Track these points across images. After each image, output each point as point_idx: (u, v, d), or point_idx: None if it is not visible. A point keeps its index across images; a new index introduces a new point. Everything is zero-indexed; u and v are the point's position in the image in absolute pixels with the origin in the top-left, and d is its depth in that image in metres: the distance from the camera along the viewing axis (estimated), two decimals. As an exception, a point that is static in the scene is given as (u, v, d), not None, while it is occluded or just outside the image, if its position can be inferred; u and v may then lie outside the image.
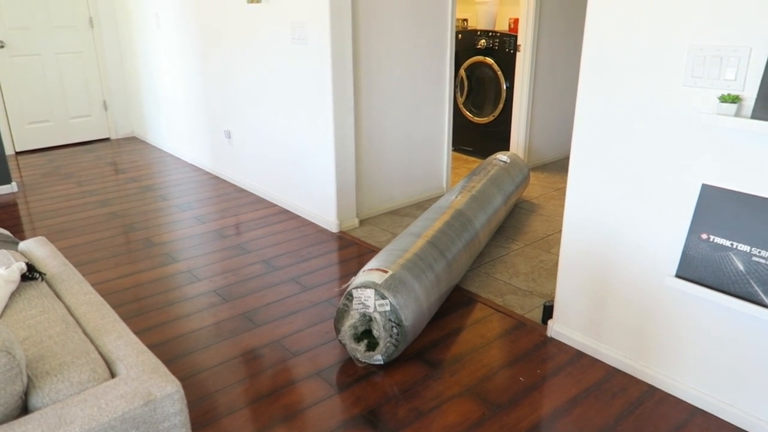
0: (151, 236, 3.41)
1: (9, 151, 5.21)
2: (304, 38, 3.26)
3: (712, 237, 1.75)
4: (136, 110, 5.71)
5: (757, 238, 1.66)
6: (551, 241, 3.30)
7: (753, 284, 1.68)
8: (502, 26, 5.08)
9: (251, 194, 4.13)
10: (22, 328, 1.28)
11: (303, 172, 3.61)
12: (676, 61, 1.75)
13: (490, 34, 4.65)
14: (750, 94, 1.63)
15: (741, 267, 1.70)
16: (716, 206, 1.74)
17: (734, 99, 1.63)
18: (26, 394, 1.11)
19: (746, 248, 1.68)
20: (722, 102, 1.64)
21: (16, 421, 1.04)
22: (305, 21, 3.21)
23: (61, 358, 1.18)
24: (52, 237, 3.42)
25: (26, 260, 1.58)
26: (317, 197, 3.54)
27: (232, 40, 3.91)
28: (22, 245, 1.80)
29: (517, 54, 4.47)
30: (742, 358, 1.82)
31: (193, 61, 4.45)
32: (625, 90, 1.90)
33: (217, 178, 4.52)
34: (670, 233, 1.90)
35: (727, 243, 1.72)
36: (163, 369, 1.18)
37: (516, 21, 4.62)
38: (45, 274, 1.57)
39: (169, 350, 2.30)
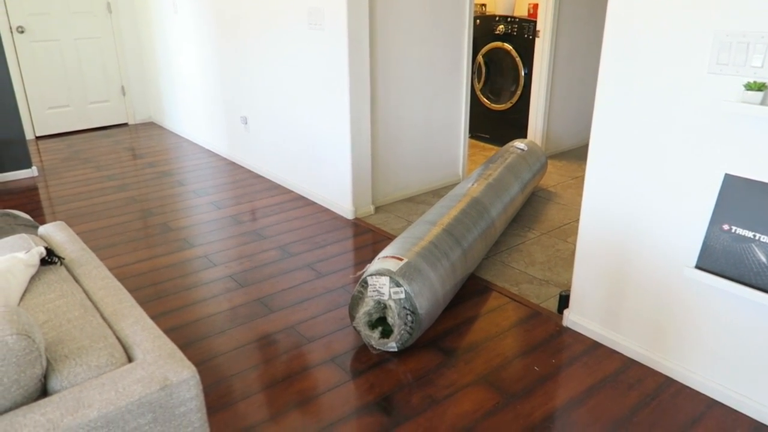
0: (168, 221, 3.44)
1: (29, 135, 5.27)
2: (320, 24, 3.23)
3: (734, 228, 1.72)
4: (154, 96, 5.74)
5: (781, 230, 1.62)
6: (568, 230, 3.27)
7: (775, 276, 1.65)
8: (521, 11, 5.00)
9: (267, 180, 4.14)
10: (42, 312, 1.30)
11: (319, 159, 3.60)
12: (701, 48, 1.71)
13: (509, 19, 4.58)
14: (777, 82, 1.58)
15: (764, 259, 1.66)
16: (739, 197, 1.71)
17: (761, 87, 1.59)
18: (45, 377, 1.12)
19: (769, 240, 1.65)
20: (748, 90, 1.60)
21: (35, 404, 1.05)
22: (322, 6, 3.18)
23: (80, 342, 1.19)
24: (71, 221, 3.47)
25: (45, 245, 1.60)
26: (333, 184, 3.54)
27: (248, 26, 3.90)
28: (42, 230, 1.82)
29: (536, 40, 4.40)
30: (761, 351, 1.79)
31: (209, 47, 4.45)
32: (647, 77, 1.86)
33: (233, 163, 4.54)
34: (690, 223, 1.87)
35: (750, 234, 1.68)
36: (179, 354, 1.19)
37: (535, 6, 4.55)
38: (64, 259, 1.59)
39: (186, 335, 2.32)
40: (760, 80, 1.61)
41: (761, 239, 1.66)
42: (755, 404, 1.84)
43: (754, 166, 1.68)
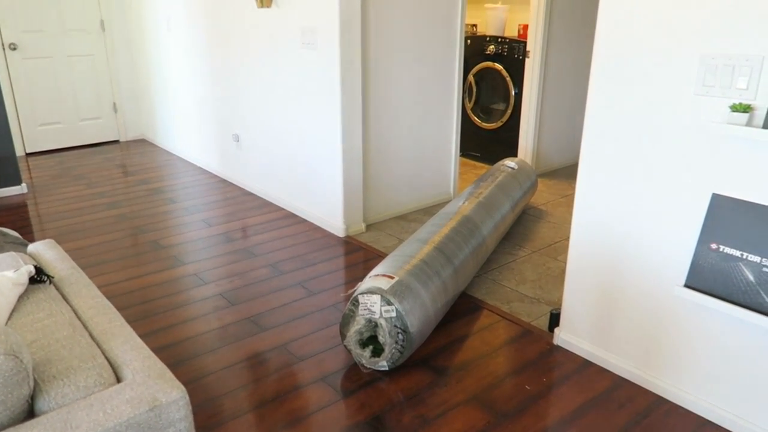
0: (158, 239, 3.43)
1: (19, 152, 5.25)
2: (313, 43, 3.26)
3: (721, 247, 1.74)
4: (146, 113, 5.74)
5: (768, 249, 1.64)
6: (559, 248, 3.29)
7: (763, 295, 1.66)
8: (512, 32, 5.07)
9: (259, 198, 4.14)
10: (30, 332, 1.28)
11: (310, 177, 3.61)
12: (688, 70, 1.74)
13: (500, 39, 4.65)
14: (762, 104, 1.61)
15: (751, 277, 1.68)
16: (726, 216, 1.73)
17: (746, 108, 1.62)
18: (33, 398, 1.11)
19: (757, 259, 1.67)
20: (733, 111, 1.63)
21: (22, 425, 1.04)
22: (315, 26, 3.22)
23: (68, 362, 1.18)
24: (61, 238, 3.44)
25: (35, 263, 1.59)
26: (324, 202, 3.54)
27: (241, 45, 3.93)
28: (31, 248, 1.81)
29: (526, 60, 4.46)
30: (752, 370, 1.80)
31: (202, 65, 4.48)
32: (636, 98, 1.89)
33: (225, 181, 4.54)
34: (679, 243, 1.88)
35: (737, 253, 1.70)
36: (169, 374, 1.18)
37: (525, 27, 4.62)
38: (53, 278, 1.58)
39: (176, 353, 2.30)
40: (745, 102, 1.64)
41: (748, 258, 1.68)
42: (747, 424, 1.84)
43: (741, 185, 1.70)
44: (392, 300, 2.09)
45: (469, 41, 4.87)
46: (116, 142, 5.79)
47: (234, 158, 4.41)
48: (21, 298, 1.43)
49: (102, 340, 1.30)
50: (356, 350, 2.16)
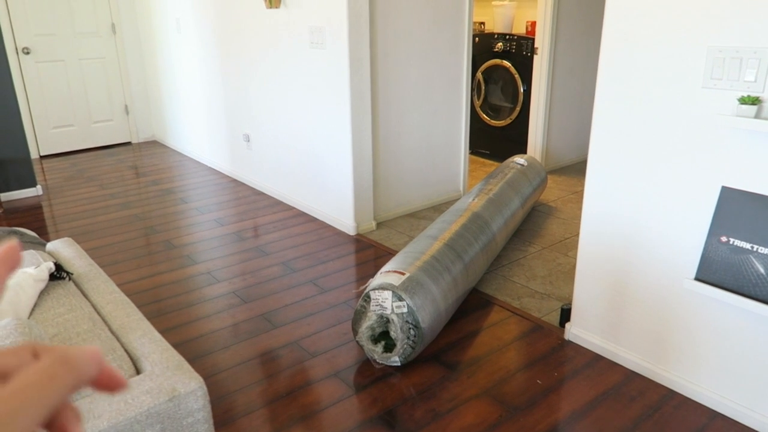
0: (171, 238, 3.47)
1: (34, 154, 5.32)
2: (322, 43, 3.29)
3: (732, 240, 1.74)
4: (157, 115, 5.80)
5: (778, 241, 1.65)
6: (569, 244, 3.29)
7: (774, 287, 1.66)
8: (520, 29, 5.08)
9: (269, 197, 4.17)
10: (51, 326, 1.32)
11: (321, 175, 3.64)
12: (695, 63, 1.75)
13: (508, 37, 4.65)
14: (770, 96, 1.62)
15: (762, 270, 1.68)
16: (736, 208, 1.74)
17: (754, 101, 1.62)
18: (55, 389, 1.14)
19: (767, 251, 1.67)
20: (742, 104, 1.64)
21: (46, 415, 1.07)
22: (323, 26, 3.24)
23: (89, 355, 1.21)
24: (76, 239, 3.49)
25: (54, 260, 1.62)
26: (335, 200, 3.57)
27: (251, 45, 3.97)
28: (50, 246, 1.85)
29: (535, 57, 4.46)
30: (763, 362, 1.80)
31: (212, 66, 4.52)
32: (643, 92, 1.90)
33: (235, 181, 4.58)
34: (689, 236, 1.89)
35: (748, 246, 1.71)
36: (187, 366, 1.21)
37: (533, 24, 4.62)
38: (72, 274, 1.62)
39: (189, 350, 2.34)
40: (753, 94, 1.64)
41: (759, 250, 1.69)
42: (758, 416, 1.85)
43: (750, 178, 1.71)
44: (403, 296, 2.12)
45: (477, 39, 4.88)
46: (128, 143, 5.85)
47: (244, 158, 4.45)
48: (42, 293, 1.47)
49: (121, 333, 1.33)
50: (368, 346, 2.18)
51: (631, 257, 2.07)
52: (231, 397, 2.05)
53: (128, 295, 2.81)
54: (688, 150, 1.83)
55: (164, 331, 2.48)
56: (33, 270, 1.47)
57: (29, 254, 1.64)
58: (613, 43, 1.94)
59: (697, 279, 1.83)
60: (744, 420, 1.88)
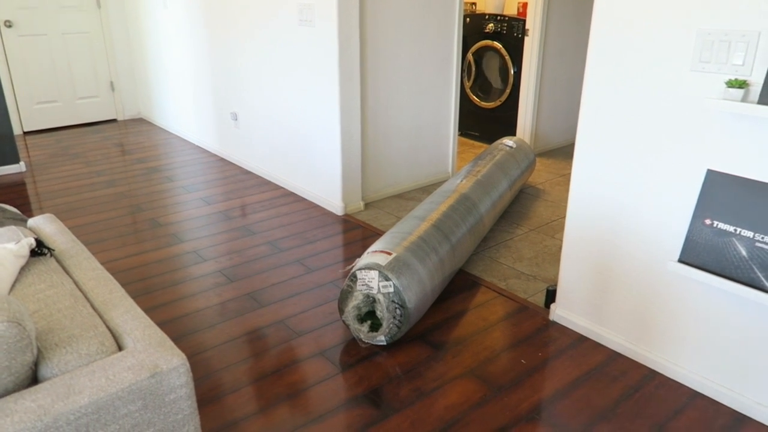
0: (157, 217, 3.44)
1: (17, 131, 5.23)
2: (311, 21, 3.25)
3: (715, 222, 1.75)
4: (143, 92, 5.72)
5: (761, 224, 1.66)
6: (555, 226, 3.31)
7: (755, 270, 1.68)
8: (511, 10, 5.04)
9: (257, 176, 4.14)
10: (32, 302, 1.30)
11: (309, 155, 3.62)
12: (684, 46, 1.74)
13: (499, 18, 4.62)
14: (757, 80, 1.62)
15: (744, 253, 1.70)
16: (721, 192, 1.75)
17: (741, 84, 1.62)
18: (36, 365, 1.13)
19: (750, 234, 1.68)
20: (729, 87, 1.64)
21: (27, 390, 1.06)
22: (312, 3, 3.19)
23: (70, 331, 1.20)
24: (60, 216, 3.45)
25: (35, 236, 1.60)
26: (323, 180, 3.55)
27: (239, 22, 3.90)
28: (31, 222, 1.82)
29: (526, 38, 4.44)
30: (743, 343, 1.83)
31: (200, 43, 4.45)
32: (632, 74, 1.89)
33: (223, 159, 4.54)
34: (673, 218, 1.90)
35: (731, 228, 1.72)
36: (169, 343, 1.20)
37: (525, 5, 4.58)
38: (54, 250, 1.60)
39: (175, 329, 2.33)
40: (741, 78, 1.64)
41: (742, 233, 1.70)
42: (736, 395, 1.88)
43: (736, 161, 1.72)
44: (390, 276, 2.12)
45: (468, 19, 4.84)
46: (113, 120, 5.77)
47: (232, 137, 4.41)
48: (22, 270, 1.45)
49: (103, 310, 1.32)
50: (354, 325, 2.18)
51: (617, 239, 2.09)
52: (217, 375, 2.05)
53: (114, 273, 2.79)
54: (675, 133, 1.83)
55: (150, 310, 2.47)
56: (13, 246, 1.45)
57: (10, 230, 1.62)
58: (603, 25, 1.93)
59: (680, 261, 1.84)
60: (724, 400, 1.91)
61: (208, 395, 1.95)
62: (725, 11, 1.64)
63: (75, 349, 1.16)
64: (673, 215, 1.90)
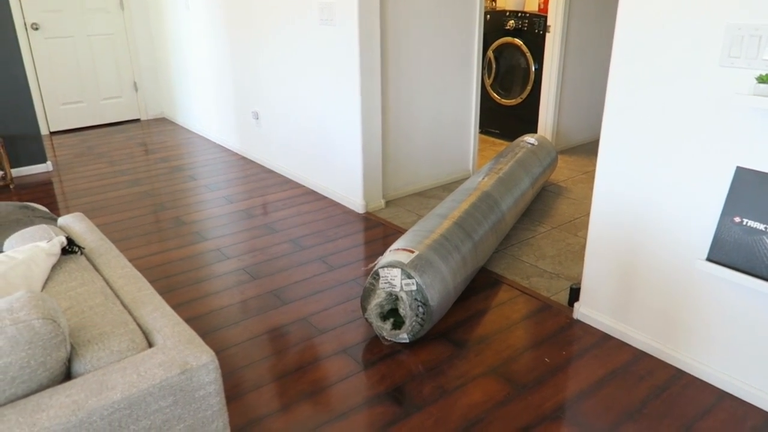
0: (180, 215, 3.48)
1: (44, 131, 5.33)
2: (332, 20, 3.25)
3: (745, 220, 1.72)
4: (166, 92, 5.78)
5: (793, 222, 1.63)
6: (578, 224, 3.28)
7: (787, 268, 1.65)
8: (532, 7, 5.00)
9: (279, 175, 4.17)
10: (64, 299, 1.33)
11: (330, 154, 3.63)
12: (713, 41, 1.72)
13: (519, 14, 4.58)
14: (789, 74, 1.59)
15: (775, 251, 1.67)
16: (750, 189, 1.71)
17: (772, 79, 1.59)
18: (69, 361, 1.15)
19: (781, 232, 1.65)
20: (760, 83, 1.61)
21: (61, 386, 1.09)
22: (333, 2, 3.20)
23: (102, 328, 1.22)
24: (86, 215, 3.51)
25: (66, 235, 1.63)
26: (344, 178, 3.56)
27: (260, 22, 3.93)
28: (61, 221, 1.86)
29: (547, 35, 4.40)
30: (773, 344, 1.80)
31: (221, 43, 4.49)
32: (659, 70, 1.87)
33: (244, 158, 4.57)
34: (701, 216, 1.87)
35: (761, 227, 1.69)
36: (198, 340, 1.22)
37: (546, 1, 4.54)
38: (84, 248, 1.63)
39: (199, 326, 2.36)
40: (772, 73, 1.61)
41: (773, 231, 1.67)
42: (766, 396, 1.85)
43: (766, 158, 1.69)
44: (412, 273, 2.12)
45: (488, 16, 4.81)
46: (137, 120, 5.85)
47: (254, 136, 4.44)
48: (54, 268, 1.48)
49: (133, 307, 1.34)
50: (377, 323, 2.19)
51: (642, 236, 2.06)
52: (240, 372, 2.08)
53: (139, 270, 2.83)
54: (703, 130, 1.80)
55: (175, 307, 2.50)
56: (45, 244, 1.48)
57: (41, 229, 1.65)
58: (629, 21, 1.90)
59: (708, 260, 1.81)
60: (752, 400, 1.88)
61: (232, 392, 1.97)
62: (756, 5, 1.61)
63: (107, 345, 1.18)
64: (700, 213, 1.87)
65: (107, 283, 1.47)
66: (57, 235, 1.64)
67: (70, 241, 1.56)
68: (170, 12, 5.17)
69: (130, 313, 1.33)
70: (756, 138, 1.69)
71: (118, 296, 1.40)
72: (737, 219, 1.74)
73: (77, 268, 1.48)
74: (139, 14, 5.56)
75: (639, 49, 1.90)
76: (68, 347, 1.13)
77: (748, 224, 1.72)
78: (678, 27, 1.79)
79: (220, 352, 2.19)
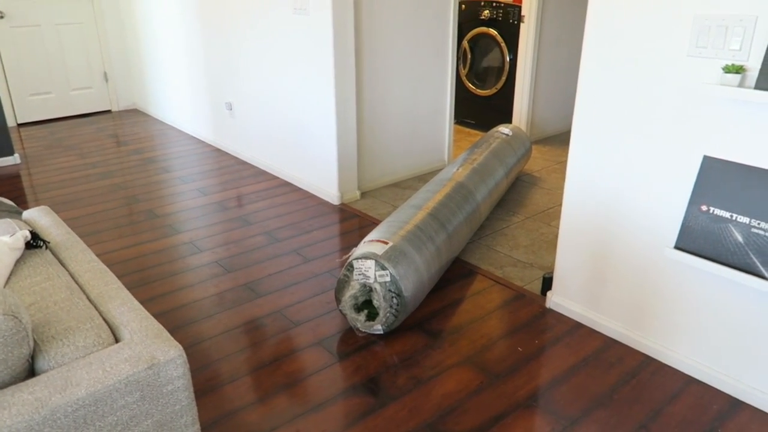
0: (153, 208, 3.43)
1: (11, 122, 5.20)
2: (305, 9, 3.22)
3: (712, 209, 1.75)
4: (138, 82, 5.68)
5: (757, 210, 1.66)
6: (552, 214, 3.31)
7: (751, 256, 1.69)
8: (507, -3, 5.00)
9: (253, 167, 4.13)
10: (28, 294, 1.30)
11: (305, 145, 3.60)
12: (681, 31, 1.74)
13: (494, 4, 4.59)
14: (754, 65, 1.61)
15: (740, 238, 1.70)
16: (717, 178, 1.75)
17: (738, 69, 1.62)
18: (33, 358, 1.13)
19: (746, 220, 1.69)
20: (726, 72, 1.63)
21: (23, 383, 1.06)
22: (306, -10, 3.17)
23: (66, 324, 1.20)
24: (56, 208, 3.44)
25: (30, 228, 1.59)
26: (319, 170, 3.54)
27: (233, 11, 3.87)
28: (26, 214, 1.82)
29: (521, 25, 4.41)
30: (738, 329, 1.84)
31: (193, 32, 4.41)
32: (628, 60, 1.88)
33: (218, 150, 4.52)
34: (670, 205, 1.90)
35: (727, 215, 1.72)
36: (166, 334, 1.20)
37: (520, -8, 4.55)
38: (49, 242, 1.59)
39: (172, 319, 2.33)
40: (738, 63, 1.64)
41: (738, 219, 1.70)
42: (732, 380, 1.89)
43: (732, 147, 1.72)
44: (386, 265, 2.12)
45: (463, 6, 4.80)
46: (108, 112, 5.74)
47: (227, 127, 4.39)
48: (18, 262, 1.45)
49: (99, 302, 1.32)
50: (351, 314, 2.19)
51: (613, 226, 2.09)
52: (215, 365, 2.06)
53: (110, 264, 2.78)
54: (672, 119, 1.83)
55: (147, 301, 2.47)
56: (8, 238, 1.44)
57: (4, 223, 1.61)
58: (599, 10, 1.92)
59: (676, 247, 1.85)
60: (718, 385, 1.92)
61: (206, 385, 1.96)
62: (721, -4, 1.63)
63: (72, 341, 1.15)
64: (669, 202, 1.90)
65: (73, 277, 1.44)
66: (21, 229, 1.60)
67: (35, 235, 1.52)
68: (141, 1, 5.06)
69: (97, 308, 1.31)
70: (722, 127, 1.72)
71: (84, 291, 1.38)
72: (704, 207, 1.77)
73: (42, 263, 1.44)
74: (109, 2, 5.44)
75: (608, 40, 1.92)
76: (31, 344, 1.10)
77: (715, 212, 1.75)
78: (647, 18, 1.80)
79: (193, 345, 2.17)
